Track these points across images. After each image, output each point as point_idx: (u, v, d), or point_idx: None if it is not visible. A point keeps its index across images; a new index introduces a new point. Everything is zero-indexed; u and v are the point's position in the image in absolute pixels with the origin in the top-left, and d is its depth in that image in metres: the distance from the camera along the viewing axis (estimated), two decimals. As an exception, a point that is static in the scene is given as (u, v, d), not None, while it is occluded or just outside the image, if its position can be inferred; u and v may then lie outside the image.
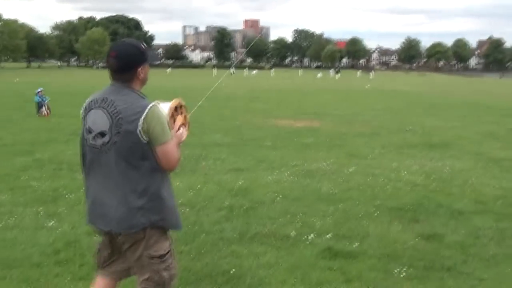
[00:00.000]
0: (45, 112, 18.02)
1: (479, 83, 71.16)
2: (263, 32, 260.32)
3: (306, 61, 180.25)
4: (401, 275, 4.51)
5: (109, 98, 2.81)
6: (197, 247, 5.10)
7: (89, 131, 2.85)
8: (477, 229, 5.87)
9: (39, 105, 18.18)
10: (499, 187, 7.99)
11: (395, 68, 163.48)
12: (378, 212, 6.47)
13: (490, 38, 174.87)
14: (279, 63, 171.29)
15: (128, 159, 2.77)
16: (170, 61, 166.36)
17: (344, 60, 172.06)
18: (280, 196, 7.13)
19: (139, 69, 2.86)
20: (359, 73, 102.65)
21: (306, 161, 9.89)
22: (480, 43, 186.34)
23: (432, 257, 4.98)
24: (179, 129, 3.09)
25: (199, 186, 7.61)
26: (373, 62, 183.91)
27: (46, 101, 18.40)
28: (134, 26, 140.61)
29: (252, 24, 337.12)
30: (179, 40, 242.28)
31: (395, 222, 6.09)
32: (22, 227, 5.63)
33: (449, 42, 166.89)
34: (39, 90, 18.60)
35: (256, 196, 7.13)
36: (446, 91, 43.83)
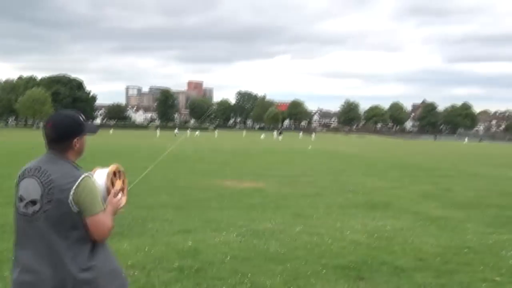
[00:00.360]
0: None
1: (415, 145, 74.04)
2: (207, 93, 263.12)
3: (249, 122, 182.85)
4: (349, 331, 4.69)
5: (43, 168, 2.86)
6: (149, 309, 5.12)
7: (21, 199, 2.87)
8: (418, 285, 6.16)
9: None
10: (437, 245, 8.38)
11: (335, 130, 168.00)
12: (324, 270, 6.67)
13: (423, 102, 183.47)
14: (223, 124, 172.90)
15: (58, 228, 2.79)
16: (113, 122, 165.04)
17: (286, 121, 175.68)
18: (229, 257, 7.23)
19: (75, 140, 2.93)
20: (301, 134, 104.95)
21: (253, 222, 10.06)
22: (415, 107, 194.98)
23: (377, 312, 5.19)
24: (116, 195, 3.09)
25: (147, 248, 7.61)
26: (314, 124, 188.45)
27: None
28: (76, 86, 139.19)
29: (196, 85, 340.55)
30: (122, 101, 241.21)
31: (341, 280, 6.30)
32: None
33: (386, 105, 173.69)
34: None
35: (205, 257, 7.20)
36: (385, 152, 45.42)
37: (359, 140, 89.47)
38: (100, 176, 3.06)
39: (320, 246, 8.06)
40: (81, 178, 2.81)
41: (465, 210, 12.43)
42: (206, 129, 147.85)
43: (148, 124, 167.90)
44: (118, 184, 3.16)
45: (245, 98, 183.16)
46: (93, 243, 2.89)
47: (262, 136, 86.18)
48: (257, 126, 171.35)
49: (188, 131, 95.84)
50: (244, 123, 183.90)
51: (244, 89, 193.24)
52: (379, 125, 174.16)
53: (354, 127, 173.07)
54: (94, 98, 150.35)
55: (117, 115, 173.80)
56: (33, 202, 2.80)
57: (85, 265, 2.82)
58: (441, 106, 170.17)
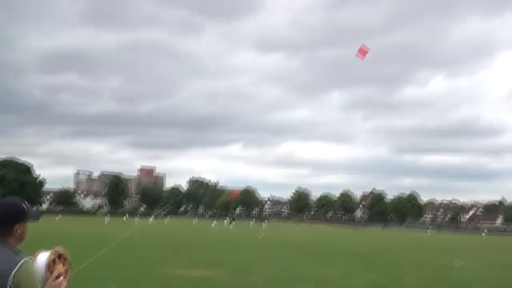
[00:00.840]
0: None
1: (363, 234, 74.97)
2: (158, 181, 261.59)
3: (201, 209, 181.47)
4: None
5: None
6: None
7: None
8: None
9: None
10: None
11: (287, 218, 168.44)
12: None
13: (372, 191, 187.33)
14: (174, 211, 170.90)
15: None
16: (61, 207, 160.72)
17: (238, 209, 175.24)
18: None
19: (16, 226, 3.09)
20: (252, 222, 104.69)
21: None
22: (364, 196, 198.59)
23: None
24: (57, 278, 3.15)
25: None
26: (266, 212, 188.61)
27: None
28: (24, 170, 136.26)
29: (148, 172, 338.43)
30: (71, 185, 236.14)
31: None
32: None
33: (336, 193, 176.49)
34: None
35: None
36: (334, 241, 45.87)
37: (309, 229, 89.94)
38: (42, 259, 3.14)
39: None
40: (20, 263, 2.94)
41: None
42: (156, 216, 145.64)
43: (96, 210, 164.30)
44: (60, 267, 3.22)
45: (197, 185, 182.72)
46: None
47: (213, 224, 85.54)
48: (209, 214, 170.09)
49: (136, 218, 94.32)
50: (196, 210, 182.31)
51: (196, 175, 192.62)
52: (329, 214, 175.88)
53: (306, 215, 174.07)
54: (41, 183, 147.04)
55: (65, 201, 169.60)
56: None
57: None
58: (390, 195, 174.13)
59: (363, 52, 16.52)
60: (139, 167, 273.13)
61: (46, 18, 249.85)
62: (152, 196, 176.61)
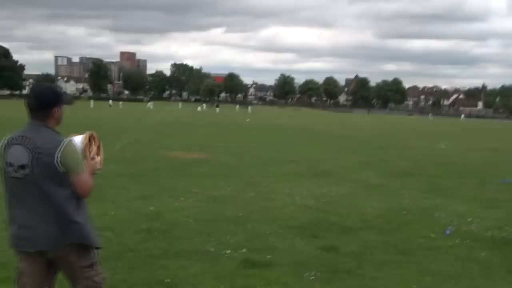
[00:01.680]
0: None
1: (349, 118, 76.31)
2: (140, 65, 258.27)
3: (184, 94, 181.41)
4: (311, 278, 5.37)
5: (28, 136, 3.23)
6: (128, 263, 5.60)
7: (10, 164, 3.23)
8: (365, 242, 6.92)
9: None
10: (378, 208, 9.22)
11: (271, 103, 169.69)
12: (281, 230, 7.33)
13: (356, 77, 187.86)
14: (158, 96, 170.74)
15: (48, 187, 3.19)
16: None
17: (222, 94, 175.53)
18: (191, 219, 7.76)
19: (54, 109, 3.31)
20: (237, 107, 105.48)
21: (207, 189, 10.58)
22: (348, 81, 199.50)
23: (333, 263, 5.89)
24: (93, 158, 3.49)
25: (112, 213, 8.02)
26: (250, 97, 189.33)
27: None
28: (2, 54, 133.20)
29: (129, 56, 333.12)
30: (52, 71, 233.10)
31: (297, 238, 6.97)
32: None
33: (320, 79, 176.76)
34: None
35: (169, 220, 7.70)
36: (322, 125, 46.81)
37: (295, 113, 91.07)
38: (77, 141, 3.42)
39: (273, 210, 8.72)
40: (64, 142, 3.22)
41: (401, 178, 13.44)
42: (140, 100, 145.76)
43: (80, 94, 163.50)
44: (93, 150, 3.54)
45: (181, 70, 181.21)
46: (77, 200, 3.31)
47: (199, 108, 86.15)
48: (193, 99, 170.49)
49: (121, 103, 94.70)
50: (180, 95, 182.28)
51: (178, 61, 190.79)
52: (313, 99, 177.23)
53: (290, 100, 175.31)
54: (22, 67, 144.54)
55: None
56: (22, 167, 3.18)
57: (72, 218, 3.26)
58: (373, 81, 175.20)
59: None
60: (120, 52, 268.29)
61: None
62: (135, 81, 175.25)
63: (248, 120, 50.50)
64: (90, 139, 3.54)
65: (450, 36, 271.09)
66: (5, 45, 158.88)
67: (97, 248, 3.47)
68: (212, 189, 10.62)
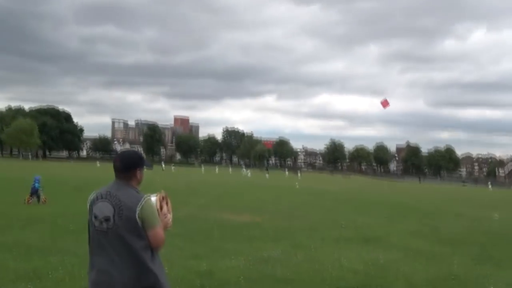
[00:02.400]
0: (44, 199, 19.36)
1: (400, 186, 75.30)
2: (193, 129, 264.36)
3: (235, 159, 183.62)
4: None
5: (113, 192, 3.73)
6: (184, 316, 5.93)
7: (96, 217, 3.71)
8: (413, 305, 7.02)
9: (33, 192, 19.34)
10: (427, 274, 9.27)
11: (321, 169, 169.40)
12: (329, 291, 7.53)
13: (407, 144, 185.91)
14: (209, 160, 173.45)
15: (128, 238, 3.63)
16: (98, 154, 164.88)
17: (272, 159, 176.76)
18: (242, 278, 8.06)
19: (137, 171, 3.84)
20: (287, 172, 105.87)
21: (257, 251, 10.88)
22: (398, 148, 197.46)
23: (380, 324, 6.05)
24: (165, 216, 3.92)
25: (166, 269, 8.37)
26: (300, 163, 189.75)
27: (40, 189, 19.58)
28: (64, 118, 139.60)
29: (182, 121, 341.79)
30: (108, 134, 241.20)
31: (345, 299, 7.15)
32: (20, 300, 6.25)
33: (370, 145, 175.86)
34: (38, 177, 19.74)
35: (221, 278, 8.03)
36: (371, 192, 46.47)
37: (345, 180, 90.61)
38: (152, 200, 3.87)
39: (322, 273, 8.92)
40: (144, 199, 3.70)
41: (451, 246, 13.34)
42: (192, 164, 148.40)
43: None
44: (165, 208, 3.97)
45: (232, 135, 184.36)
46: (152, 251, 3.74)
47: (248, 173, 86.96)
48: (242, 163, 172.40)
49: (173, 166, 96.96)
50: (230, 159, 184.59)
51: (230, 126, 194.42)
52: (363, 166, 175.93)
53: (339, 167, 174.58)
54: (81, 130, 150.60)
55: (103, 148, 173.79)
56: (107, 220, 3.66)
57: (148, 266, 3.66)
58: (424, 149, 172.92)
59: (385, 103, 21.76)
60: (174, 117, 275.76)
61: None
62: (187, 145, 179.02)
63: (297, 185, 50.67)
64: (163, 198, 4.01)
65: (506, 104, 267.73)
66: (68, 109, 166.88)
67: None
68: (261, 251, 10.91)
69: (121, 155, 3.92)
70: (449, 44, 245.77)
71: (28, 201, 19.02)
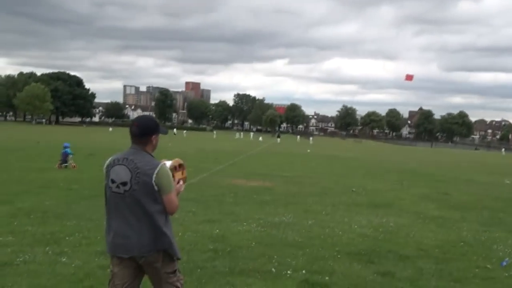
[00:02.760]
0: (73, 165, 19.90)
1: (412, 151, 75.19)
2: (204, 95, 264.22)
3: (246, 124, 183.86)
4: (366, 299, 5.70)
5: (129, 158, 3.83)
6: (197, 279, 6.13)
7: (113, 181, 3.83)
8: (421, 269, 7.17)
9: (64, 158, 19.97)
10: (436, 239, 9.39)
11: (332, 134, 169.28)
12: (339, 255, 7.68)
13: (420, 109, 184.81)
14: (220, 126, 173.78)
15: (144, 202, 3.77)
16: (111, 120, 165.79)
17: (283, 125, 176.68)
18: (254, 243, 8.23)
19: (153, 137, 3.93)
20: (298, 138, 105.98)
21: (268, 215, 11.05)
22: (411, 114, 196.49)
23: (388, 287, 6.20)
24: (178, 182, 4.10)
25: (180, 234, 8.59)
26: (312, 128, 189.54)
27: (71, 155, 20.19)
28: (76, 83, 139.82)
29: (193, 86, 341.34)
30: (120, 99, 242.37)
31: (354, 263, 7.31)
32: (39, 262, 6.47)
33: (382, 111, 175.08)
34: (67, 144, 20.35)
35: (233, 242, 8.20)
36: (383, 157, 46.51)
37: (356, 145, 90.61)
38: (167, 166, 4.01)
39: (332, 237, 9.07)
40: (160, 165, 3.81)
41: (461, 211, 13.44)
42: (204, 129, 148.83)
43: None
44: (179, 175, 4.16)
45: (243, 100, 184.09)
46: (166, 216, 3.90)
47: (261, 138, 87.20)
48: (254, 129, 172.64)
49: (185, 132, 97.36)
50: (242, 125, 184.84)
51: (241, 91, 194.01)
52: (375, 131, 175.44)
53: (351, 132, 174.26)
54: (93, 96, 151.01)
55: (115, 113, 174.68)
56: (124, 184, 3.78)
57: (163, 230, 3.84)
58: (437, 114, 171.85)
59: (410, 77, 23.70)
60: (185, 82, 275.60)
61: None
62: (199, 110, 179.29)
63: (309, 151, 50.78)
64: (178, 165, 4.17)
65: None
66: (79, 74, 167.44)
67: (178, 258, 4.04)
68: (273, 215, 11.07)
69: (138, 121, 3.98)
70: (463, 7, 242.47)
71: (60, 166, 19.48)
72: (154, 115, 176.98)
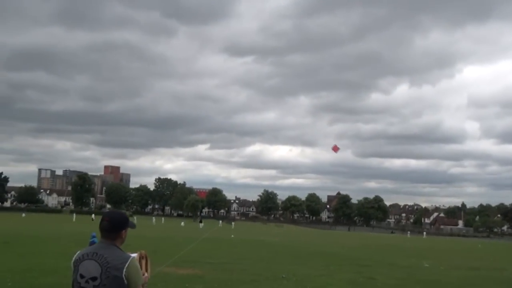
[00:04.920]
0: None
1: (333, 235, 76.55)
2: (124, 179, 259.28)
3: (167, 209, 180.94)
4: None
5: (99, 252, 3.89)
6: None
7: (82, 276, 3.85)
8: None
9: None
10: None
11: (254, 219, 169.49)
12: None
13: (338, 194, 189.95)
14: (140, 211, 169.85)
15: None
16: (24, 205, 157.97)
17: (205, 209, 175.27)
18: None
19: (123, 232, 4.03)
20: (220, 222, 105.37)
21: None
22: (330, 198, 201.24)
23: None
24: (143, 274, 4.09)
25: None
26: (233, 213, 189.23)
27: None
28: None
29: (113, 170, 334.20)
30: (34, 183, 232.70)
31: None
32: None
33: (302, 195, 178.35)
34: (94, 234, 19.30)
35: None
36: (306, 241, 47.08)
37: (278, 229, 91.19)
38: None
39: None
40: (130, 259, 3.88)
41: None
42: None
43: (61, 208, 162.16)
44: (143, 265, 4.22)
45: (164, 184, 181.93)
46: None
47: (182, 223, 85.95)
48: (175, 214, 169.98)
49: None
50: (163, 210, 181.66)
51: (163, 175, 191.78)
52: (296, 215, 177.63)
53: (272, 216, 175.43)
54: (6, 179, 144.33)
55: (28, 198, 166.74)
56: (93, 279, 3.81)
57: None
58: (355, 199, 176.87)
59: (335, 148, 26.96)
60: (104, 166, 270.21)
61: (14, 16, 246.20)
62: (118, 195, 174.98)
63: (232, 236, 50.62)
64: (142, 256, 4.26)
65: (429, 156, 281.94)
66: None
67: None
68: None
69: (109, 216, 4.06)
70: (375, 98, 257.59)
71: None
72: (70, 199, 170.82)
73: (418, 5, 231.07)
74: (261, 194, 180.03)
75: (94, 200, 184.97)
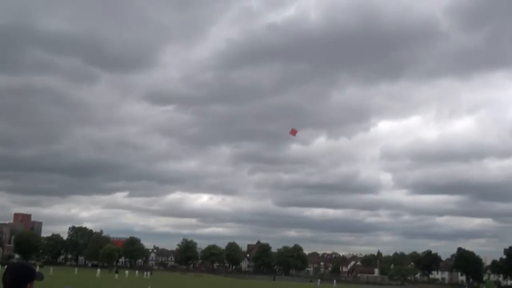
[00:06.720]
0: None
1: (254, 285, 75.71)
2: (35, 227, 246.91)
3: (81, 259, 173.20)
4: None
5: None
6: None
7: None
8: None
9: None
10: None
11: (173, 268, 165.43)
12: None
13: (258, 243, 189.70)
14: (52, 261, 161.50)
15: None
16: None
17: (122, 259, 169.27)
18: None
19: (28, 285, 3.62)
20: (137, 273, 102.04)
21: None
22: (250, 247, 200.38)
23: None
24: None
25: None
26: (151, 262, 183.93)
27: None
28: None
29: (23, 218, 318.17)
30: None
31: None
32: None
33: (222, 244, 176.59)
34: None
35: None
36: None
37: (198, 280, 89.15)
38: None
39: None
40: None
41: None
42: (33, 265, 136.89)
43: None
44: None
45: (79, 233, 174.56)
46: None
47: (98, 273, 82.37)
48: (90, 264, 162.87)
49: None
50: (76, 260, 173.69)
51: (78, 224, 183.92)
52: (216, 265, 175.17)
53: (191, 266, 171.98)
54: None
55: None
56: None
57: None
58: (274, 248, 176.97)
59: (293, 132, 28.21)
60: (14, 213, 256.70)
61: None
62: (28, 244, 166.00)
63: (149, 287, 48.90)
64: None
65: (346, 205, 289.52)
66: None
67: None
68: None
69: (11, 268, 3.64)
70: (294, 148, 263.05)
71: None
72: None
73: (335, 62, 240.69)
74: (180, 243, 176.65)
75: (1, 250, 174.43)
